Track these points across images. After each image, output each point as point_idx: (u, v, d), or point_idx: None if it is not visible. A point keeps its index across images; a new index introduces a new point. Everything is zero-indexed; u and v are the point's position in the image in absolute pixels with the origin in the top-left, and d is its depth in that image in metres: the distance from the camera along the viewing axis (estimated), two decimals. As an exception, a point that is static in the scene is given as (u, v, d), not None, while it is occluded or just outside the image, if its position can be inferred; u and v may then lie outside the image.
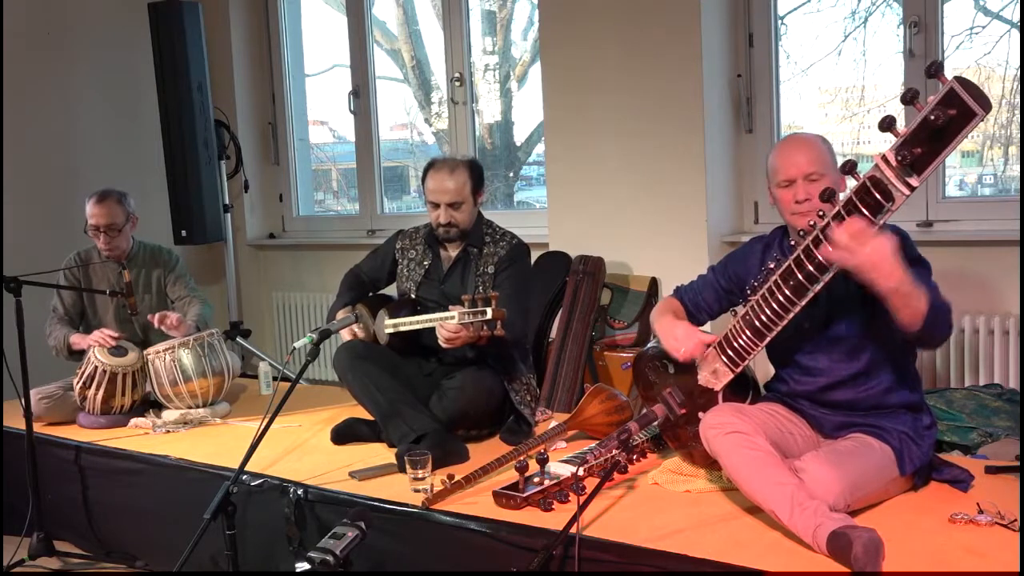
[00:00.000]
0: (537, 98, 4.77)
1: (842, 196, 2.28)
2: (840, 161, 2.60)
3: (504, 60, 5.38)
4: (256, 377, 4.52)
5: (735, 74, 4.32)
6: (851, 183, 2.25)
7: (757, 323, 2.49)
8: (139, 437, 3.71)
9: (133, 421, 3.85)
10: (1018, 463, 2.76)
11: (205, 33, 5.35)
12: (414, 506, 2.74)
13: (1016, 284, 3.57)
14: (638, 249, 4.40)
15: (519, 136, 5.52)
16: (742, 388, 2.70)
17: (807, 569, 2.18)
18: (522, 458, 2.82)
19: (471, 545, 2.60)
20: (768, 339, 2.49)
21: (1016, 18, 3.82)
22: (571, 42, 4.48)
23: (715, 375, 2.66)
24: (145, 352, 3.88)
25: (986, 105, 2.00)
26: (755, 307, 2.50)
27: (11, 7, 5.02)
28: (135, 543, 3.50)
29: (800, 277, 2.37)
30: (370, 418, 3.44)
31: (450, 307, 3.12)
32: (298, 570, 2.25)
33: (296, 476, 3.05)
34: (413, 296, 3.51)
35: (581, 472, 2.77)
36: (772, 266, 2.49)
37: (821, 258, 2.30)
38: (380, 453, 3.28)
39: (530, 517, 2.59)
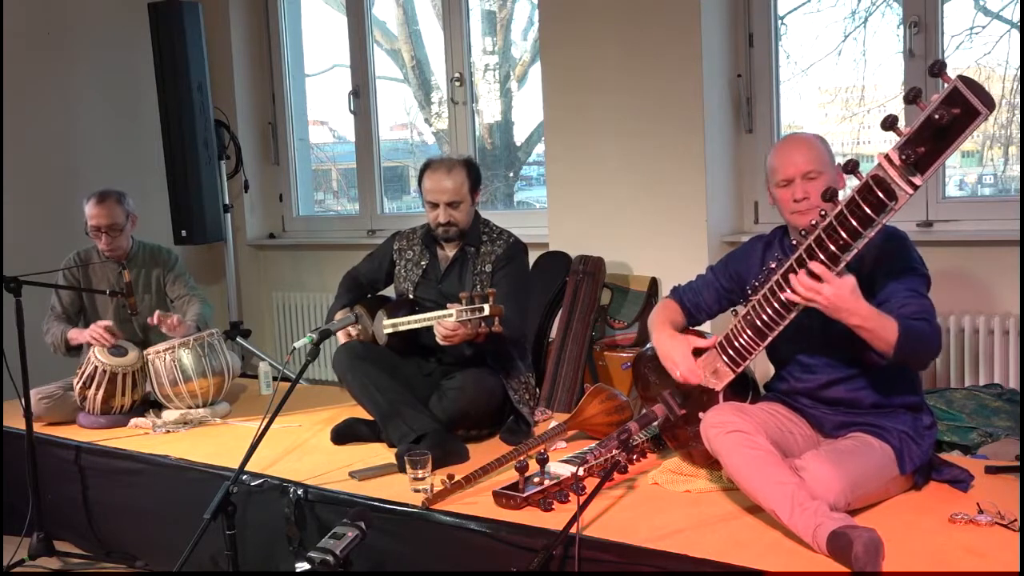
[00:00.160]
0: (537, 98, 4.77)
1: (843, 196, 2.28)
2: (840, 161, 2.62)
3: (504, 60, 5.38)
4: (256, 377, 4.52)
5: (735, 74, 4.32)
6: (854, 184, 2.25)
7: (758, 323, 2.49)
8: (139, 437, 3.70)
9: (133, 421, 3.85)
10: (1018, 463, 2.76)
11: (205, 33, 5.35)
12: (414, 506, 2.74)
13: (1016, 284, 3.57)
14: (638, 249, 4.40)
15: (519, 136, 5.52)
16: (742, 388, 2.70)
17: (807, 569, 2.18)
18: (522, 458, 2.82)
19: (471, 545, 2.60)
20: (770, 339, 2.50)
21: (1016, 18, 3.82)
22: (571, 42, 4.48)
23: (716, 375, 2.66)
24: (145, 352, 3.88)
25: (990, 104, 2.00)
26: (756, 307, 2.50)
27: (11, 7, 5.02)
28: (135, 543, 3.50)
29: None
30: (370, 418, 3.44)
31: (447, 305, 3.12)
32: (298, 570, 2.25)
33: (296, 476, 3.05)
34: (411, 296, 3.51)
35: (581, 472, 2.76)
36: (773, 265, 2.49)
37: (823, 256, 2.30)
38: (380, 453, 3.28)
39: (530, 517, 2.59)
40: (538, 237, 4.62)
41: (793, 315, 2.43)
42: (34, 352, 3.59)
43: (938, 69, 2.03)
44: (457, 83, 5.20)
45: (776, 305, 2.44)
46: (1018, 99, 3.90)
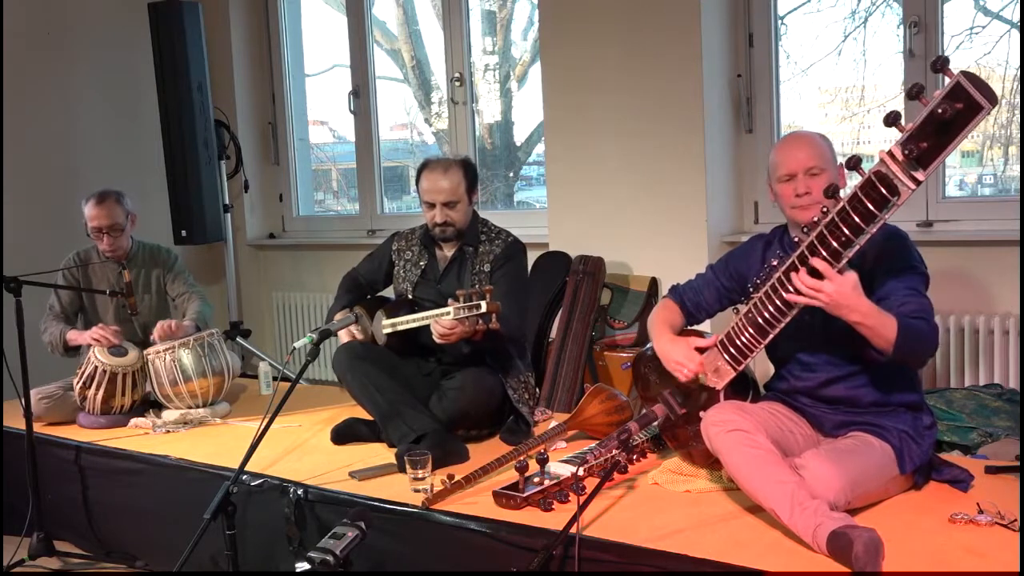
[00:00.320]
0: (537, 98, 4.77)
1: (845, 193, 2.28)
2: (840, 161, 2.62)
3: (504, 60, 5.39)
4: (256, 377, 4.52)
5: (735, 74, 4.32)
6: (856, 181, 2.25)
7: (760, 320, 2.49)
8: (139, 437, 3.70)
9: (133, 421, 3.85)
10: (1018, 463, 2.76)
11: (205, 33, 5.35)
12: (414, 506, 2.74)
13: (1016, 284, 3.57)
14: (638, 249, 4.40)
15: (519, 136, 5.52)
16: (742, 387, 2.71)
17: (807, 569, 2.18)
18: (522, 458, 2.82)
19: (471, 545, 2.60)
20: (771, 337, 2.50)
21: (1016, 18, 3.82)
22: (571, 42, 4.48)
23: (717, 373, 2.66)
24: (145, 352, 3.88)
25: (992, 99, 2.01)
26: (758, 305, 2.49)
27: (11, 7, 5.02)
28: (135, 543, 3.50)
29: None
30: (370, 418, 3.44)
31: (448, 301, 3.11)
32: (298, 570, 2.25)
33: (296, 476, 3.05)
34: (410, 296, 3.51)
35: (581, 472, 2.76)
36: (775, 263, 2.49)
37: (825, 253, 2.30)
38: (380, 453, 3.28)
39: (530, 517, 2.59)
40: (538, 237, 4.62)
41: (794, 312, 2.43)
42: (34, 352, 3.59)
43: (940, 65, 2.04)
44: (457, 83, 5.20)
45: (777, 302, 2.44)
46: (1018, 99, 3.90)
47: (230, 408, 4.03)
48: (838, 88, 4.44)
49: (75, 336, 3.97)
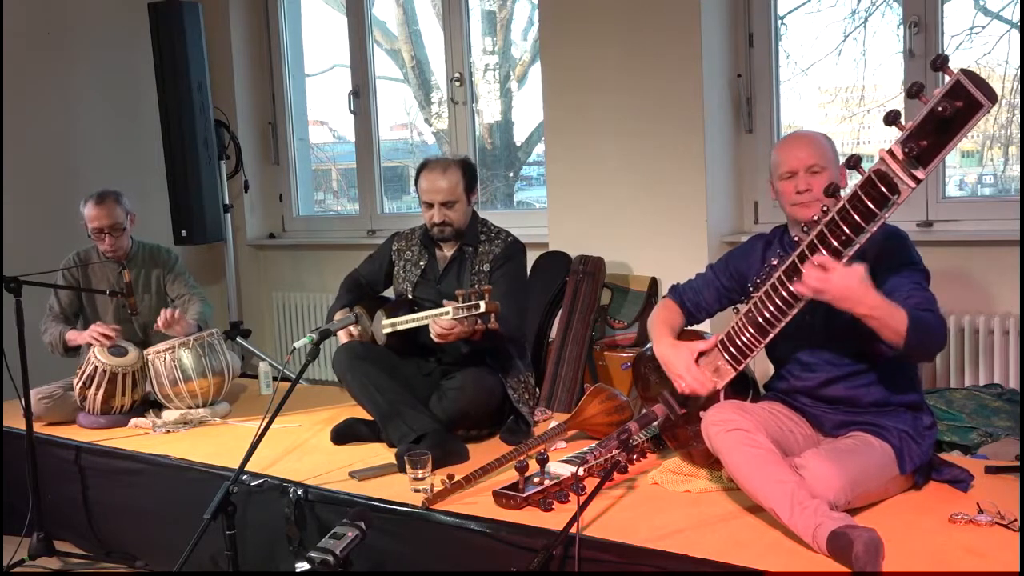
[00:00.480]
0: (537, 98, 4.77)
1: (846, 192, 2.28)
2: (841, 161, 2.62)
3: (504, 60, 5.39)
4: (256, 377, 4.52)
5: (735, 74, 4.32)
6: (857, 179, 2.25)
7: (760, 320, 2.49)
8: (139, 437, 3.70)
9: (133, 421, 3.85)
10: (1018, 463, 2.76)
11: (205, 33, 5.35)
12: (414, 506, 2.74)
13: (1016, 284, 3.57)
14: (638, 249, 4.40)
15: (519, 136, 5.52)
16: (743, 387, 2.70)
17: (807, 569, 2.18)
18: (522, 458, 2.82)
19: (471, 545, 2.60)
20: (771, 336, 2.49)
21: (1016, 18, 3.82)
22: (571, 42, 4.48)
23: (717, 373, 2.66)
24: (145, 352, 3.88)
25: (992, 97, 2.01)
26: (758, 304, 2.49)
27: (11, 7, 5.02)
28: (135, 543, 3.50)
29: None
30: (370, 418, 3.44)
31: (444, 302, 3.12)
32: (298, 570, 2.25)
33: (296, 476, 3.05)
34: (410, 296, 3.51)
35: (581, 472, 2.76)
36: (775, 262, 2.49)
37: (826, 252, 2.30)
38: (380, 453, 3.28)
39: (530, 517, 2.59)
40: (538, 237, 4.62)
41: (795, 311, 2.42)
42: (34, 352, 3.59)
43: (940, 63, 2.04)
44: (457, 83, 5.20)
45: (778, 301, 2.43)
46: (1018, 99, 3.90)
47: (230, 408, 4.03)
48: (838, 88, 4.44)
49: (74, 336, 3.97)
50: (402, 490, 2.87)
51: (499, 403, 3.37)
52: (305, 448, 3.45)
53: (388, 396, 3.28)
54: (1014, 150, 4.07)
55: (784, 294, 2.42)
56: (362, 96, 5.60)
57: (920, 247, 2.61)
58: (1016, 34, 3.82)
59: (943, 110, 2.03)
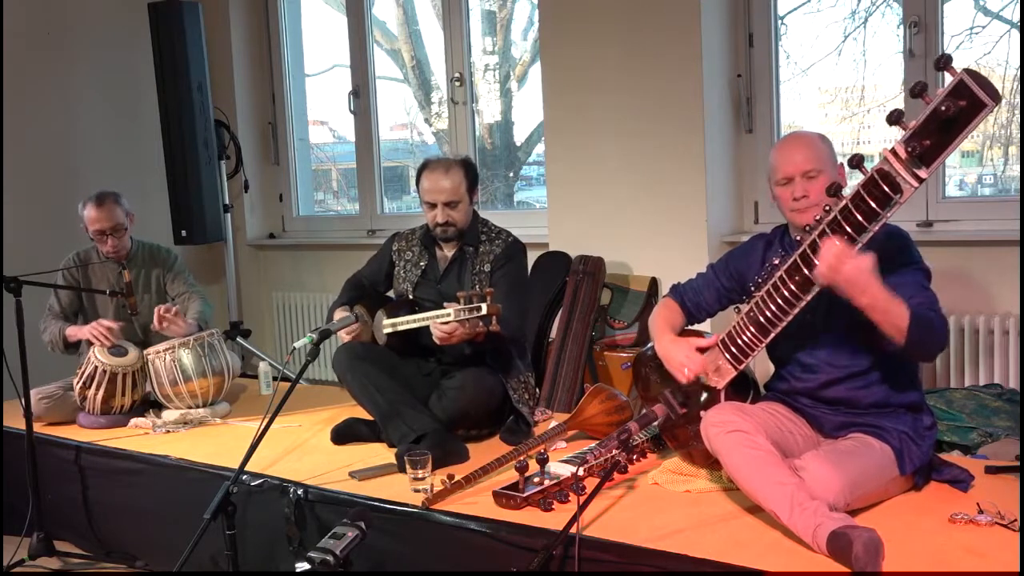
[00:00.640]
0: (537, 98, 4.77)
1: (848, 191, 2.28)
2: (840, 162, 2.62)
3: (504, 60, 5.39)
4: (256, 377, 4.52)
5: (735, 74, 4.32)
6: (858, 179, 2.25)
7: (761, 319, 2.49)
8: (139, 437, 3.70)
9: (133, 421, 3.85)
10: (1018, 463, 2.76)
11: (205, 33, 5.35)
12: (414, 506, 2.74)
13: (1016, 284, 3.57)
14: (638, 249, 4.40)
15: (519, 136, 5.52)
16: (743, 388, 2.71)
17: (807, 569, 2.18)
18: (522, 458, 2.82)
19: (471, 545, 2.60)
20: (772, 335, 2.49)
21: (1016, 18, 3.82)
22: (571, 42, 4.48)
23: (718, 372, 2.66)
24: (145, 352, 3.88)
25: (995, 96, 2.01)
26: (759, 303, 2.49)
27: (11, 7, 5.02)
28: (135, 543, 3.50)
29: (806, 272, 2.37)
30: (370, 418, 3.44)
31: (445, 304, 3.12)
32: (298, 570, 2.25)
33: (296, 476, 3.05)
34: (410, 296, 3.51)
35: (581, 472, 2.76)
36: (777, 262, 2.49)
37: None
38: (380, 453, 3.28)
39: (530, 517, 2.59)
40: (538, 237, 4.62)
41: (797, 310, 2.42)
42: (34, 352, 3.59)
43: (944, 63, 2.04)
44: (457, 83, 5.20)
45: (780, 301, 2.43)
46: (1018, 99, 3.90)
47: (230, 408, 4.03)
48: (838, 88, 4.44)
49: (74, 331, 3.97)
50: (402, 490, 2.87)
51: (499, 403, 3.37)
52: (305, 448, 3.45)
53: (388, 396, 3.28)
54: (1014, 150, 4.07)
55: (786, 293, 2.42)
56: (362, 96, 5.60)
57: (920, 247, 2.61)
58: (1016, 34, 3.82)
59: (947, 109, 2.03)
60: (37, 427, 3.60)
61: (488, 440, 3.38)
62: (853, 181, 2.51)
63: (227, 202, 5.56)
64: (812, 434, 2.66)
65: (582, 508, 2.36)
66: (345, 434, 3.48)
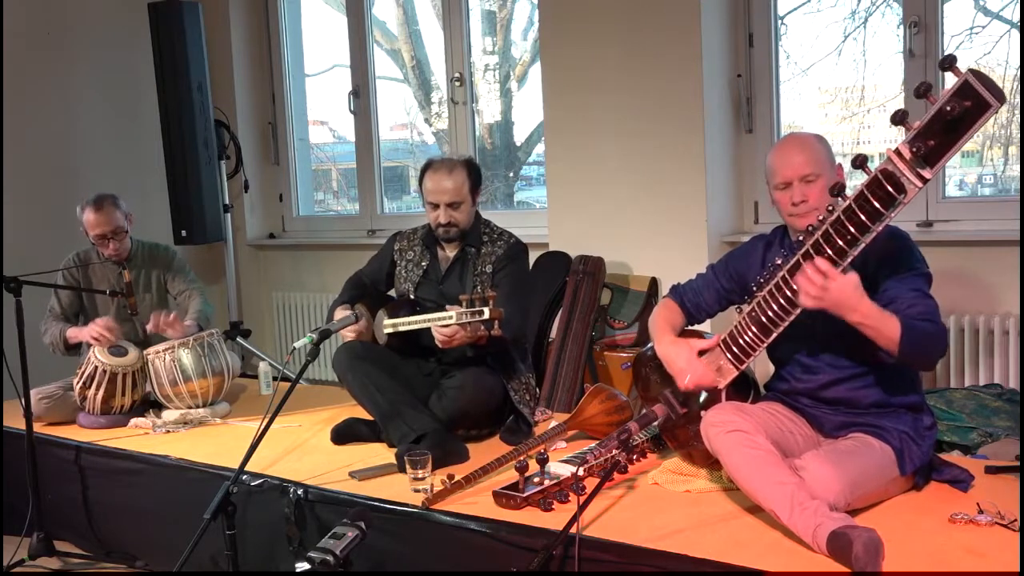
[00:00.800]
0: (537, 98, 4.77)
1: (851, 192, 2.28)
2: (840, 162, 2.62)
3: (504, 60, 5.39)
4: (256, 377, 4.52)
5: (735, 74, 4.32)
6: (860, 179, 2.25)
7: (763, 319, 2.49)
8: (139, 437, 3.70)
9: (133, 421, 3.85)
10: (1018, 463, 2.76)
11: (205, 33, 5.35)
12: (414, 506, 2.74)
13: (1016, 284, 3.57)
14: (638, 249, 4.40)
15: (519, 136, 5.52)
16: (743, 387, 2.70)
17: (807, 569, 2.18)
18: (522, 458, 2.82)
19: (471, 545, 2.60)
20: (774, 336, 2.49)
21: (1016, 18, 3.82)
22: (571, 42, 4.48)
23: (719, 372, 2.66)
24: (145, 352, 3.88)
25: (1000, 97, 2.02)
26: (761, 303, 2.49)
27: (11, 7, 5.02)
28: (135, 543, 3.50)
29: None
30: (370, 418, 3.44)
31: (447, 307, 3.11)
32: (298, 570, 2.25)
33: (296, 476, 3.05)
34: (412, 296, 3.51)
35: (581, 472, 2.76)
36: (779, 261, 2.49)
37: (830, 251, 2.30)
38: (380, 453, 3.28)
39: (530, 517, 2.59)
40: (538, 237, 4.62)
41: (799, 311, 2.42)
42: (34, 352, 3.59)
43: (948, 63, 2.04)
44: (457, 83, 5.20)
45: (782, 301, 2.43)
46: (1018, 99, 3.90)
47: (230, 408, 4.03)
48: (838, 88, 4.44)
49: (75, 333, 3.97)
50: (402, 490, 2.87)
51: (499, 403, 3.37)
52: (305, 448, 3.45)
53: (388, 396, 3.28)
54: (1014, 150, 4.07)
55: (788, 293, 2.42)
56: (362, 96, 5.60)
57: (920, 247, 2.60)
58: (1016, 34, 3.82)
59: (951, 110, 2.03)
60: (37, 427, 3.60)
61: (488, 440, 3.38)
62: (853, 181, 2.51)
63: (227, 202, 5.56)
64: (812, 434, 2.66)
65: (582, 508, 2.36)
66: (345, 434, 3.48)
